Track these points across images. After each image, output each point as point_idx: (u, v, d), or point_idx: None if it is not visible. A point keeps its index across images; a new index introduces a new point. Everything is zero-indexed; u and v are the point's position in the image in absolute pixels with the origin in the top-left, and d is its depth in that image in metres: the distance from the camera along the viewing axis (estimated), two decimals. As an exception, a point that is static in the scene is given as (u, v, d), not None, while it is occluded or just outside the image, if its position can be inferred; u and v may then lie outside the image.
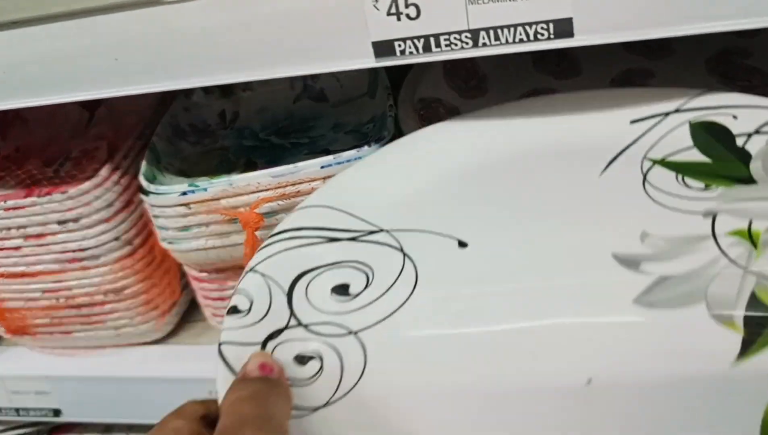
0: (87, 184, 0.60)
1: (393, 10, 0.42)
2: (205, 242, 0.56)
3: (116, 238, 0.63)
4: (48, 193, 0.60)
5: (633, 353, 0.35)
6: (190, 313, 0.72)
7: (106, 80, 0.48)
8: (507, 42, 0.42)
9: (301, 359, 0.39)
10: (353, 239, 0.45)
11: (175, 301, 0.68)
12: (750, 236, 0.37)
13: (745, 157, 0.42)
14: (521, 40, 0.42)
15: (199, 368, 0.64)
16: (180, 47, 0.45)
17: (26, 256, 0.63)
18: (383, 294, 0.42)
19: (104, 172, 0.61)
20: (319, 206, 0.48)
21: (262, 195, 0.54)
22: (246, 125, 0.68)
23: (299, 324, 0.41)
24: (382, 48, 0.44)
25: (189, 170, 0.63)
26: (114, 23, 0.45)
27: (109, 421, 0.73)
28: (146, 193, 0.57)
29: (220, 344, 0.39)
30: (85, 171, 0.62)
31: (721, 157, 0.42)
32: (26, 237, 0.62)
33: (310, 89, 0.69)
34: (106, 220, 0.62)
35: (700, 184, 0.41)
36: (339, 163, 0.53)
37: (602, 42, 0.41)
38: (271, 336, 0.40)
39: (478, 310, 0.39)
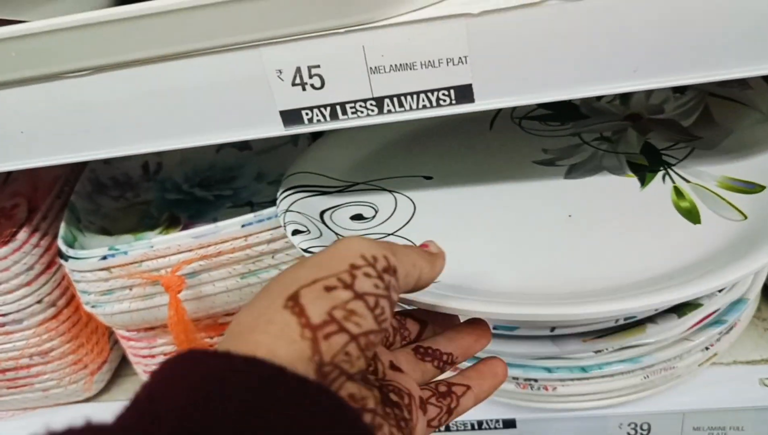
0: (4, 250, 0.58)
1: (297, 81, 0.43)
2: (129, 305, 0.56)
3: (38, 301, 0.62)
4: (-39, 260, 0.59)
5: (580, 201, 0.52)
6: (122, 368, 0.71)
7: (12, 152, 0.47)
8: (411, 108, 0.43)
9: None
10: (341, 191, 0.57)
11: (104, 359, 0.68)
12: (608, 139, 0.59)
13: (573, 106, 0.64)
14: (425, 106, 0.43)
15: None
16: (86, 118, 0.45)
17: (-57, 323, 0.62)
18: (391, 215, 0.54)
19: (22, 235, 0.60)
20: (301, 172, 0.57)
21: (183, 256, 0.54)
22: (169, 177, 0.67)
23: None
24: (290, 117, 0.44)
25: (110, 227, 0.63)
26: (19, 96, 0.45)
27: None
28: (65, 257, 0.56)
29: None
30: (1, 234, 0.61)
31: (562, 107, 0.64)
32: (-57, 305, 0.61)
33: (234, 137, 0.69)
34: (27, 283, 0.60)
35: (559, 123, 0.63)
36: (260, 221, 0.53)
37: (502, 106, 0.42)
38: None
39: (468, 205, 0.54)
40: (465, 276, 0.46)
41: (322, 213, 0.54)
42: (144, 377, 0.66)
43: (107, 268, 0.54)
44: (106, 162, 0.68)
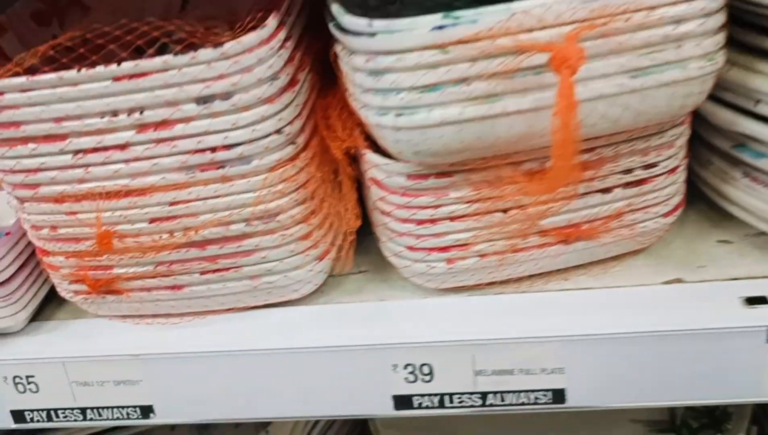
0: (252, 37, 0.39)
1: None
2: (461, 111, 0.36)
3: (278, 131, 0.42)
4: (187, 51, 0.39)
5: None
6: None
7: None
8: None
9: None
10: None
11: (346, 239, 0.47)
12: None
13: None
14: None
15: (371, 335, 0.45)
16: None
17: (136, 159, 0.41)
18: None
19: (272, 22, 0.40)
20: None
21: (554, 32, 0.34)
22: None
23: None
24: None
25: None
26: None
27: (225, 419, 0.51)
28: (364, 33, 0.36)
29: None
30: (246, 15, 0.41)
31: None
32: (140, 127, 0.41)
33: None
34: (269, 99, 0.41)
35: None
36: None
37: None
38: None
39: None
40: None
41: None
42: (401, 265, 0.46)
43: (441, 46, 0.35)
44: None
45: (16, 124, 0.41)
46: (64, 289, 0.48)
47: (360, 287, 0.50)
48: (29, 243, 0.49)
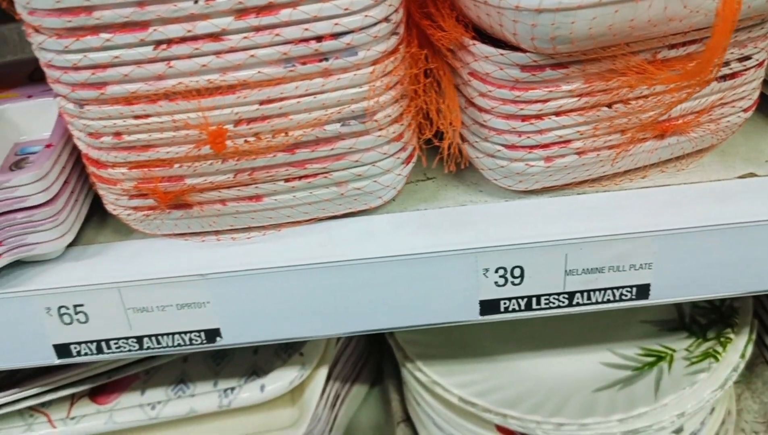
0: None
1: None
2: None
3: (386, 18, 0.38)
4: None
5: None
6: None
7: None
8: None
9: None
10: None
11: (453, 130, 0.44)
12: None
13: None
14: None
15: (460, 240, 0.43)
16: None
17: (230, 51, 0.37)
18: None
19: None
20: None
21: None
22: None
23: None
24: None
25: None
26: None
27: (299, 337, 0.47)
28: None
29: None
30: None
31: None
32: (240, 12, 0.36)
33: None
34: (380, -18, 0.37)
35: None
36: None
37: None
38: None
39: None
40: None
41: None
42: (486, 167, 0.44)
43: None
44: None
45: (88, 9, 0.35)
46: (120, 206, 0.43)
47: (434, 194, 0.48)
48: (70, 156, 0.43)
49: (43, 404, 0.62)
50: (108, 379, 0.59)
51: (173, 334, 0.46)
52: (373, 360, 0.76)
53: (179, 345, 0.46)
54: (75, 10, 0.35)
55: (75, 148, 0.43)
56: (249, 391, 0.58)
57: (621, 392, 0.56)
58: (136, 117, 0.39)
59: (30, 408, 0.62)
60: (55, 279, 0.44)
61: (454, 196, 0.47)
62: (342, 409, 0.69)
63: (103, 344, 0.46)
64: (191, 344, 0.46)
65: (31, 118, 0.47)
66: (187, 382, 0.65)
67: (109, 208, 0.44)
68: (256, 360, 0.65)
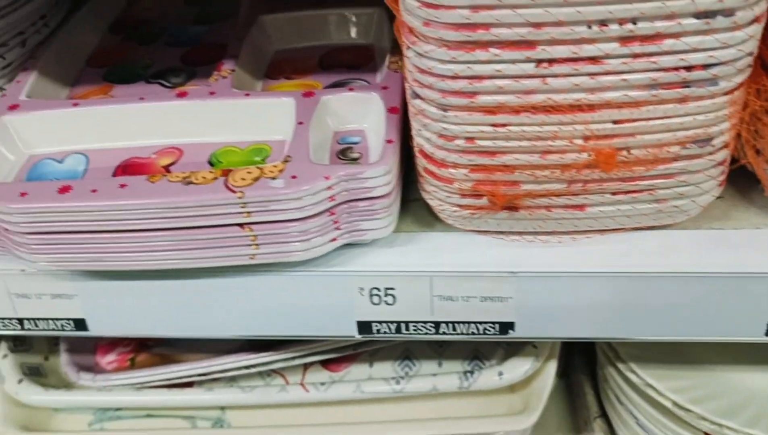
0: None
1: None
2: None
3: (750, 52, 0.40)
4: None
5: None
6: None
7: None
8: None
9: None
10: None
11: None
12: None
13: None
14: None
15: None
16: None
17: (605, 73, 0.39)
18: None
19: (785, -66, 0.37)
20: None
21: None
22: None
23: None
24: None
25: None
26: None
27: (586, 338, 0.50)
28: None
29: None
30: None
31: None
32: (625, 39, 0.38)
33: None
34: (759, 18, 0.38)
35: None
36: None
37: None
38: None
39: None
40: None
41: None
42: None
43: None
44: None
45: (488, 26, 0.38)
46: (448, 203, 0.46)
47: (725, 213, 0.49)
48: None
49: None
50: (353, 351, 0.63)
51: (470, 323, 0.49)
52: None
53: (473, 333, 0.49)
54: (476, 26, 0.38)
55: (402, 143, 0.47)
56: (488, 377, 0.61)
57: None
58: (494, 125, 0.41)
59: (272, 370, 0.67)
60: (372, 262, 0.48)
61: (747, 217, 0.49)
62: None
63: (403, 325, 0.49)
64: (484, 334, 0.49)
65: (348, 109, 0.50)
66: (412, 359, 0.69)
67: (433, 202, 0.47)
68: (477, 345, 0.68)
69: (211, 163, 0.50)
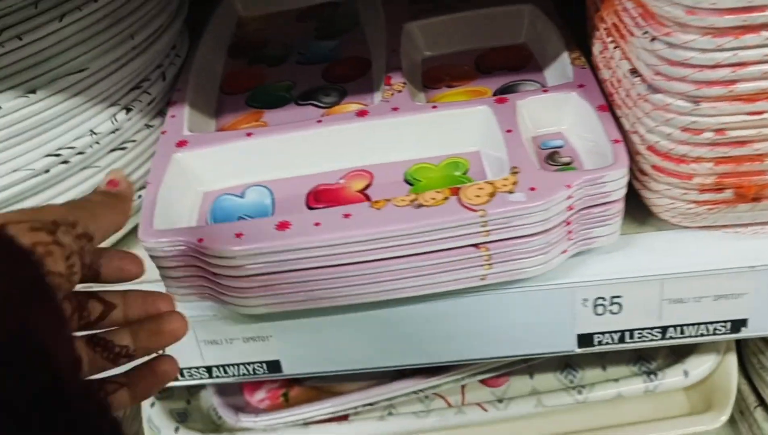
0: None
1: None
2: None
3: None
4: None
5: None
6: None
7: None
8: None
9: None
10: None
11: None
12: None
13: None
14: None
15: None
16: None
17: None
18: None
19: None
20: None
21: None
22: None
23: None
24: None
25: None
26: None
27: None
28: None
29: None
30: None
31: None
32: None
33: None
34: None
35: None
36: None
37: None
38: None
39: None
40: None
41: None
42: None
43: None
44: None
45: (762, 8, 0.35)
46: (682, 200, 0.43)
47: None
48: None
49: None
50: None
51: (699, 324, 0.46)
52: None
53: (702, 335, 0.47)
54: (751, 9, 0.35)
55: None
56: (674, 376, 0.59)
57: None
58: (749, 113, 0.39)
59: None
60: (596, 271, 0.45)
61: None
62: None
63: (627, 334, 0.47)
64: (713, 334, 0.47)
65: (543, 111, 0.48)
66: (574, 368, 0.66)
67: (661, 201, 0.44)
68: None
69: (408, 183, 0.47)
